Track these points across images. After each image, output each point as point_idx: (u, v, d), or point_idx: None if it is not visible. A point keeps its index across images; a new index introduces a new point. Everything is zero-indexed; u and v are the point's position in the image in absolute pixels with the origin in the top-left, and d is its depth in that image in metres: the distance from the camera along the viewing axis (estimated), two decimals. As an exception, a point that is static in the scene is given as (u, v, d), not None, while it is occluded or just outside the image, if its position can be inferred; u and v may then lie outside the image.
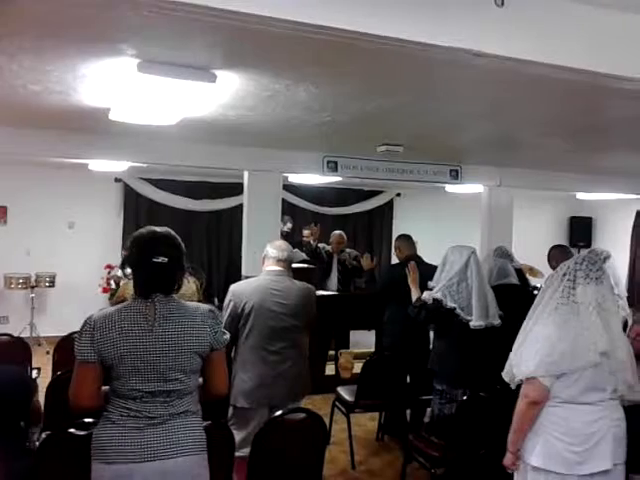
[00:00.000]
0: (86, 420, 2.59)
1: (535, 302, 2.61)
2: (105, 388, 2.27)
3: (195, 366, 2.28)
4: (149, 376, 2.19)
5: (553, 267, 4.55)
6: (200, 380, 2.37)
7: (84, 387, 2.21)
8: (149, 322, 2.21)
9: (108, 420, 2.22)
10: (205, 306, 2.40)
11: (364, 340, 7.21)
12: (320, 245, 7.42)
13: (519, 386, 2.55)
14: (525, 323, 2.60)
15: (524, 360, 2.49)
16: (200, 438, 2.31)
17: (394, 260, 9.10)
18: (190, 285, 3.99)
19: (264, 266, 3.68)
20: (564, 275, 2.52)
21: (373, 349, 6.32)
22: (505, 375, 2.60)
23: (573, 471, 2.41)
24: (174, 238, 2.33)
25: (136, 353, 2.17)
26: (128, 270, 2.33)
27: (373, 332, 6.68)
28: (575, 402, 2.44)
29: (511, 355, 2.58)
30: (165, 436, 2.20)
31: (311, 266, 6.63)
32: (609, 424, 2.45)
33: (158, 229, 2.34)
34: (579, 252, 3.01)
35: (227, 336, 2.40)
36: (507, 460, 2.60)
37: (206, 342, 2.29)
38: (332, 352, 6.64)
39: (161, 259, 2.22)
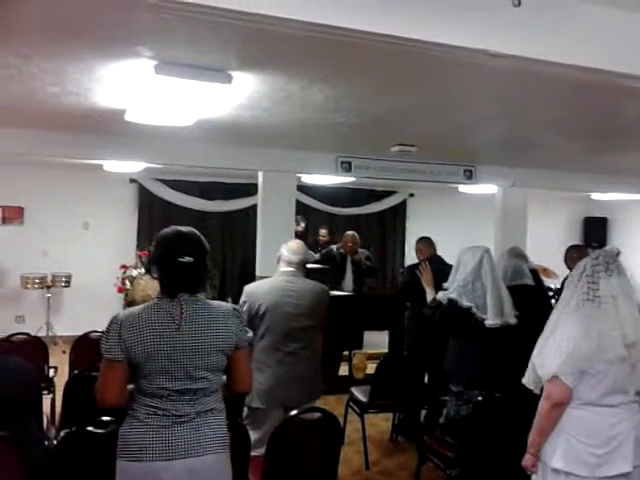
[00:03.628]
0: (104, 418, 2.61)
1: (555, 305, 2.59)
2: (130, 387, 2.27)
3: (221, 364, 2.29)
4: (176, 375, 2.19)
5: (570, 267, 4.51)
6: (224, 378, 2.37)
7: (111, 385, 2.21)
8: (176, 321, 2.21)
9: (134, 418, 2.22)
10: (228, 305, 2.41)
11: (378, 341, 7.20)
12: (333, 247, 7.47)
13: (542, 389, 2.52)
14: (545, 327, 2.55)
15: (548, 360, 2.45)
16: (225, 436, 2.32)
17: (408, 261, 9.08)
18: None
19: (278, 266, 3.69)
20: (581, 273, 2.50)
21: (387, 350, 6.31)
22: (527, 381, 2.56)
23: (593, 473, 2.40)
24: (199, 237, 2.33)
25: (163, 352, 2.18)
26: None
27: (387, 332, 6.69)
28: (597, 404, 2.42)
29: (532, 360, 2.55)
30: (192, 434, 2.21)
31: (326, 266, 6.65)
32: (630, 426, 2.43)
33: (183, 229, 2.34)
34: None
35: (250, 334, 2.42)
36: (527, 461, 2.56)
37: (232, 340, 2.30)
38: (346, 353, 6.64)
39: (187, 259, 2.22)
